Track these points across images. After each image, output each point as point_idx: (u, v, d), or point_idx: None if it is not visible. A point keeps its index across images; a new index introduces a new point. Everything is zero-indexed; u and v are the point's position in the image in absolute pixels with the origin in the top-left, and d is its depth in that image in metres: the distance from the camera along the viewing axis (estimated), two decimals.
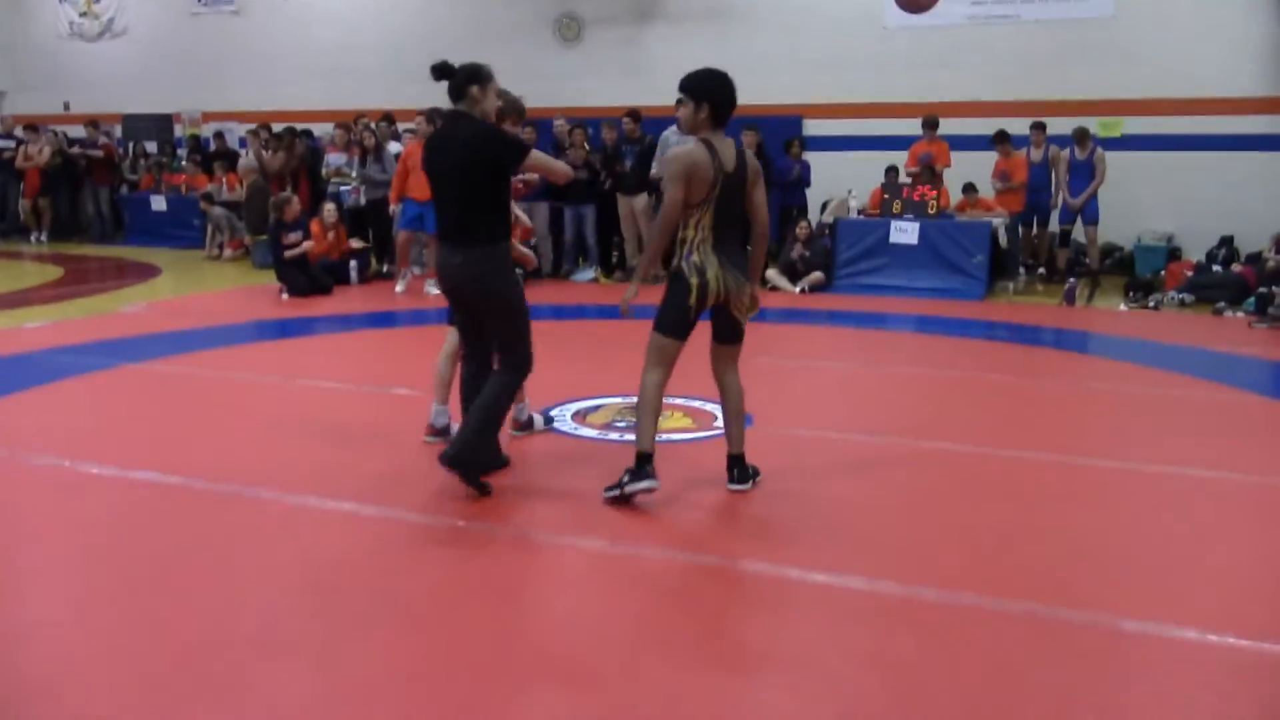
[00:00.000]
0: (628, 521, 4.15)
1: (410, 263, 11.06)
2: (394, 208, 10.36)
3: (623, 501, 4.30)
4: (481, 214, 4.36)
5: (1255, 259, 10.62)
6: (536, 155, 4.50)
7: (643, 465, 4.30)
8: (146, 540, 3.98)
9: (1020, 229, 11.62)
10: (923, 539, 4.03)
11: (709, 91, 4.17)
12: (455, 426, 5.18)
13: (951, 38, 12.85)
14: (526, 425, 5.35)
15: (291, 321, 8.90)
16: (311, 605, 3.39)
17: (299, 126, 13.92)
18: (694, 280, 4.21)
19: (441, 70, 4.46)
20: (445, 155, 4.40)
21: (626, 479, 4.29)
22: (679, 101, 4.27)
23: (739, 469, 4.51)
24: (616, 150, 11.33)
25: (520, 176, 4.73)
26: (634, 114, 11.45)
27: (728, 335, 4.42)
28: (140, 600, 3.43)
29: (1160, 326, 8.93)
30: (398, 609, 3.36)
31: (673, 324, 4.30)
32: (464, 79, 4.39)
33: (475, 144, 4.32)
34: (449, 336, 5.11)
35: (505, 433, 5.15)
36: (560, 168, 4.77)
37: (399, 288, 10.32)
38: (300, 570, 3.67)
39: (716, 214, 4.19)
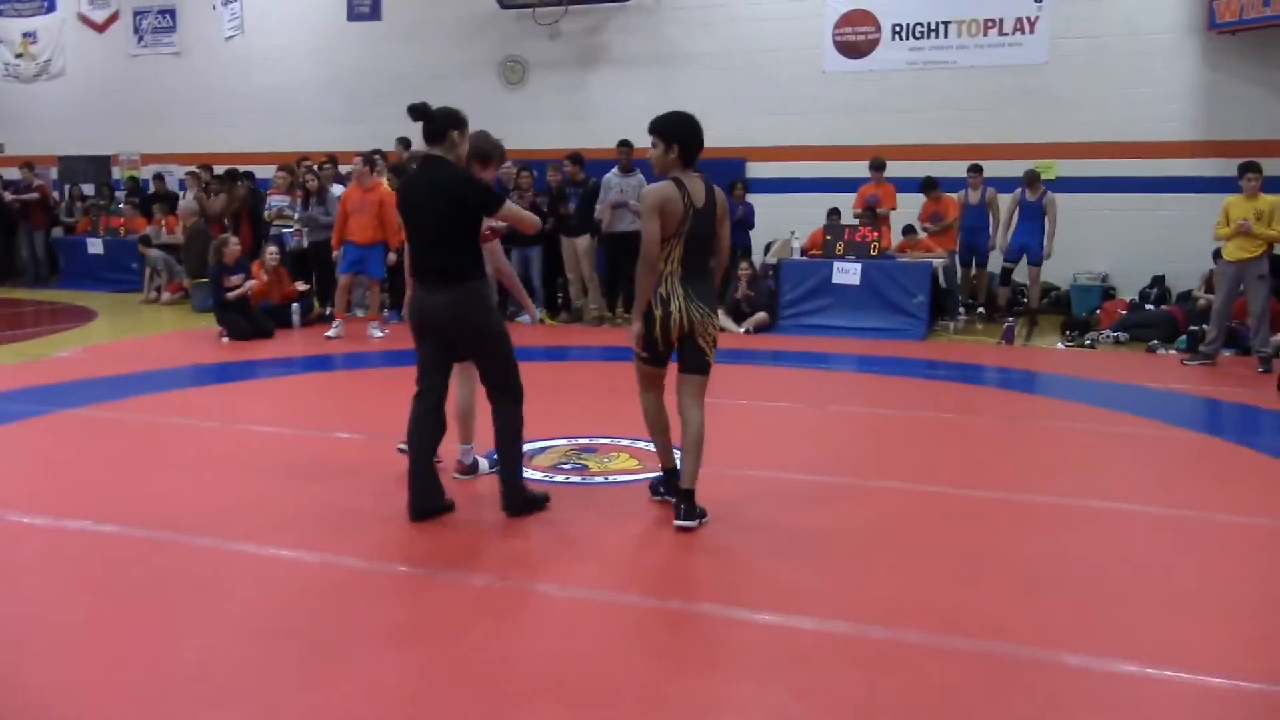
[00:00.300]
0: (576, 565, 4.11)
1: (353, 305, 10.98)
2: (336, 252, 10.29)
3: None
4: (461, 255, 4.48)
5: (1185, 298, 10.93)
6: (509, 205, 4.63)
7: (670, 478, 4.70)
8: (81, 590, 3.86)
9: (959, 269, 11.87)
10: (871, 577, 4.04)
11: (679, 133, 4.39)
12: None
13: (889, 82, 13.12)
14: (471, 469, 5.30)
15: (232, 365, 8.76)
16: (252, 653, 3.31)
17: (240, 168, 13.79)
18: (658, 312, 4.40)
19: (420, 112, 4.53)
20: (424, 199, 4.48)
21: (663, 490, 4.81)
22: (652, 143, 4.44)
23: (687, 505, 4.50)
24: (561, 192, 11.38)
25: (489, 224, 4.76)
26: (576, 157, 11.52)
27: (692, 365, 4.52)
28: (76, 651, 3.32)
29: (1097, 364, 9.11)
30: (339, 656, 3.29)
31: (644, 349, 4.54)
32: (444, 122, 4.51)
33: (455, 189, 4.44)
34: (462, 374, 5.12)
35: (448, 476, 5.11)
36: (530, 219, 4.84)
37: (331, 333, 10.09)
38: (240, 619, 3.58)
39: (686, 248, 4.39)
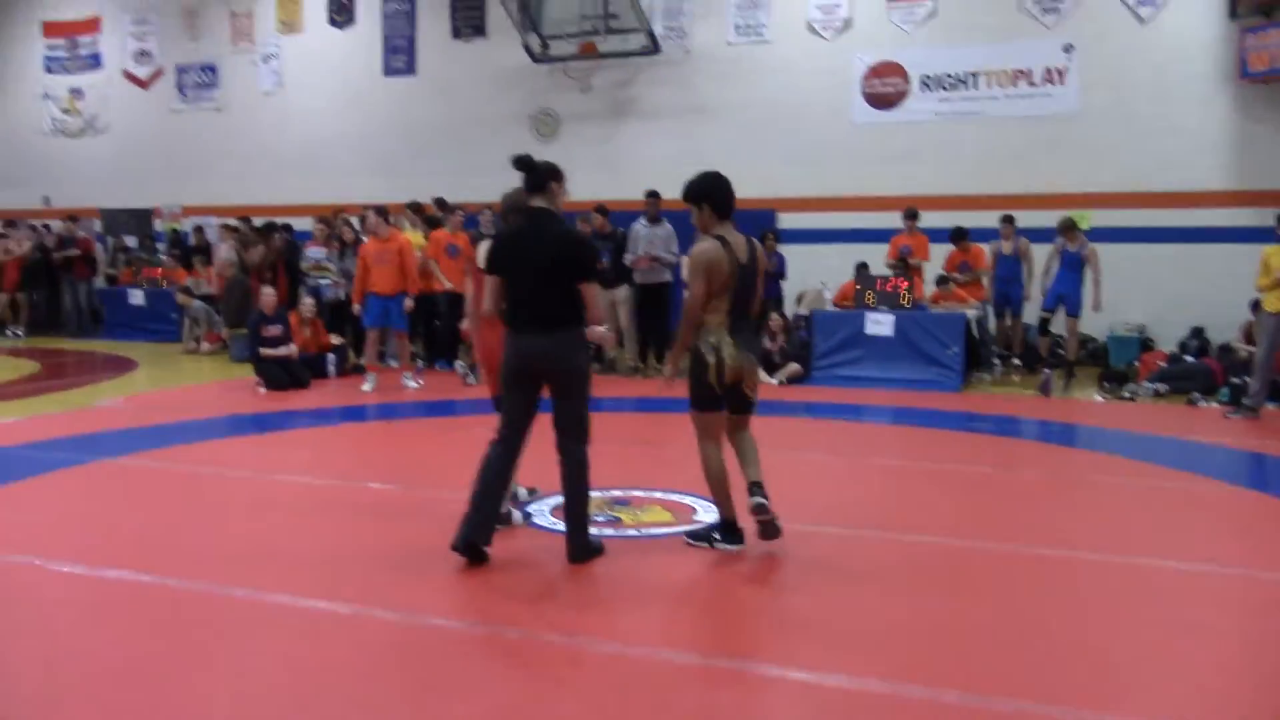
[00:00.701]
0: (608, 619, 4.09)
1: (386, 356, 11.07)
2: (356, 306, 10.32)
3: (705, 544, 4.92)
4: (564, 301, 4.62)
5: (1225, 350, 10.79)
6: (594, 286, 4.73)
7: (730, 528, 4.85)
8: (116, 640, 3.89)
9: (994, 320, 11.80)
10: (905, 635, 3.99)
11: (703, 193, 4.69)
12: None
13: (919, 133, 13.18)
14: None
15: (268, 416, 8.85)
16: (286, 709, 3.31)
17: (278, 220, 14.02)
18: (710, 359, 4.65)
19: (525, 163, 4.72)
20: (530, 249, 4.65)
21: (718, 536, 4.89)
22: (690, 209, 4.74)
23: (758, 496, 4.76)
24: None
25: None
26: (602, 209, 11.61)
27: (739, 407, 4.84)
28: (107, 701, 3.33)
29: (1136, 417, 9.00)
30: (376, 711, 3.28)
31: (702, 399, 4.77)
32: (546, 174, 4.73)
33: (560, 243, 4.64)
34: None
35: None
36: (599, 315, 4.83)
37: (367, 387, 10.04)
38: (274, 672, 3.59)
39: (733, 300, 4.65)
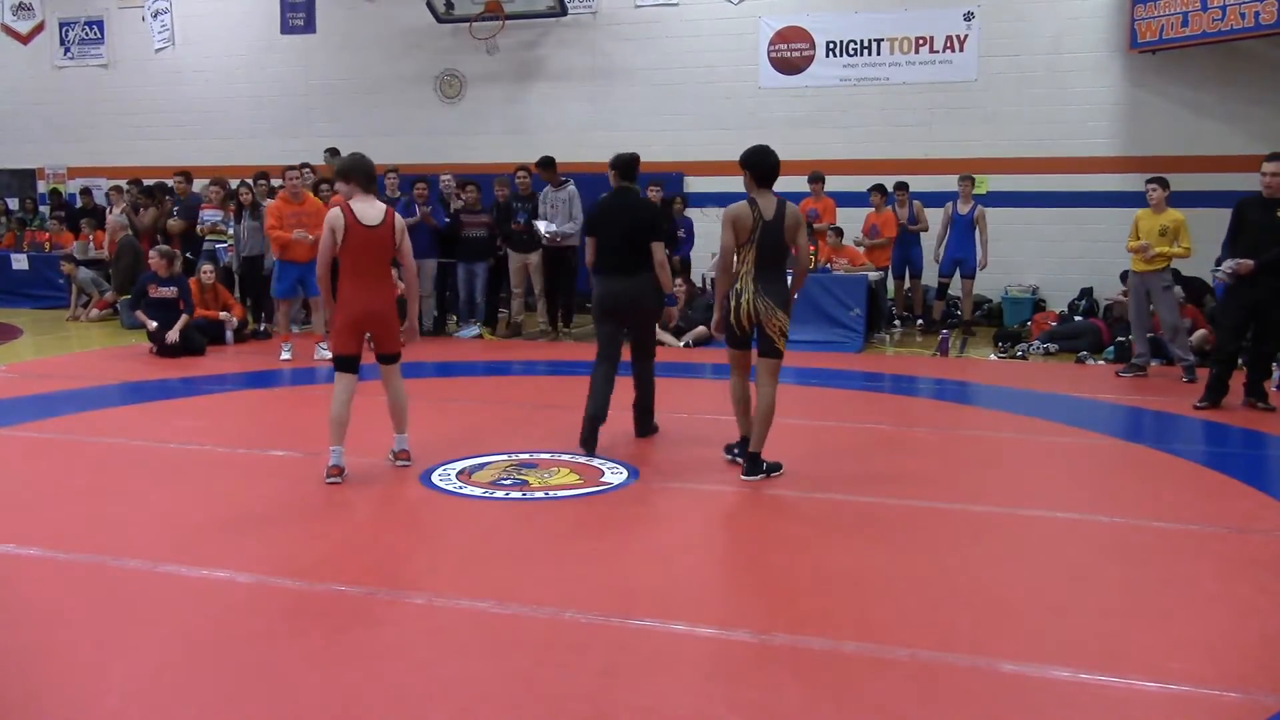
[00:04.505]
0: (512, 581, 4.09)
1: (291, 323, 10.79)
2: (272, 259, 10.00)
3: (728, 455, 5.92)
4: (640, 255, 6.16)
5: (1109, 309, 11.22)
6: (661, 247, 6.24)
7: (744, 444, 5.69)
8: (3, 616, 3.74)
9: (894, 282, 12.05)
10: (806, 588, 4.07)
11: (747, 162, 5.54)
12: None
13: (823, 98, 13.32)
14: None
15: (163, 383, 8.58)
16: (179, 678, 3.24)
17: (169, 182, 13.53)
18: (733, 302, 5.48)
19: (621, 162, 6.33)
20: (619, 216, 6.20)
21: (737, 451, 5.81)
22: None
23: (750, 464, 5.54)
24: (508, 207, 11.33)
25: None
26: (525, 169, 11.47)
27: (765, 350, 5.52)
28: None
29: (1028, 375, 9.30)
30: (272, 680, 3.23)
31: (729, 337, 5.64)
32: (635, 163, 6.37)
33: (638, 211, 6.24)
34: (344, 385, 5.48)
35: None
36: (667, 279, 6.38)
37: (285, 355, 9.62)
38: (169, 643, 3.50)
39: (758, 252, 5.41)
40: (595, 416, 6.05)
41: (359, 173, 5.48)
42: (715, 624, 3.66)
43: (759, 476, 5.49)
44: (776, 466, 5.60)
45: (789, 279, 5.58)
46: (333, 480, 5.37)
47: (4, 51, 17.09)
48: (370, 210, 5.44)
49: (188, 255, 11.34)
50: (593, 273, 6.29)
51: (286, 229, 9.70)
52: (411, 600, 3.89)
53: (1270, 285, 7.35)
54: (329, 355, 9.62)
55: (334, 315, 5.59)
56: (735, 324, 5.49)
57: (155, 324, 9.73)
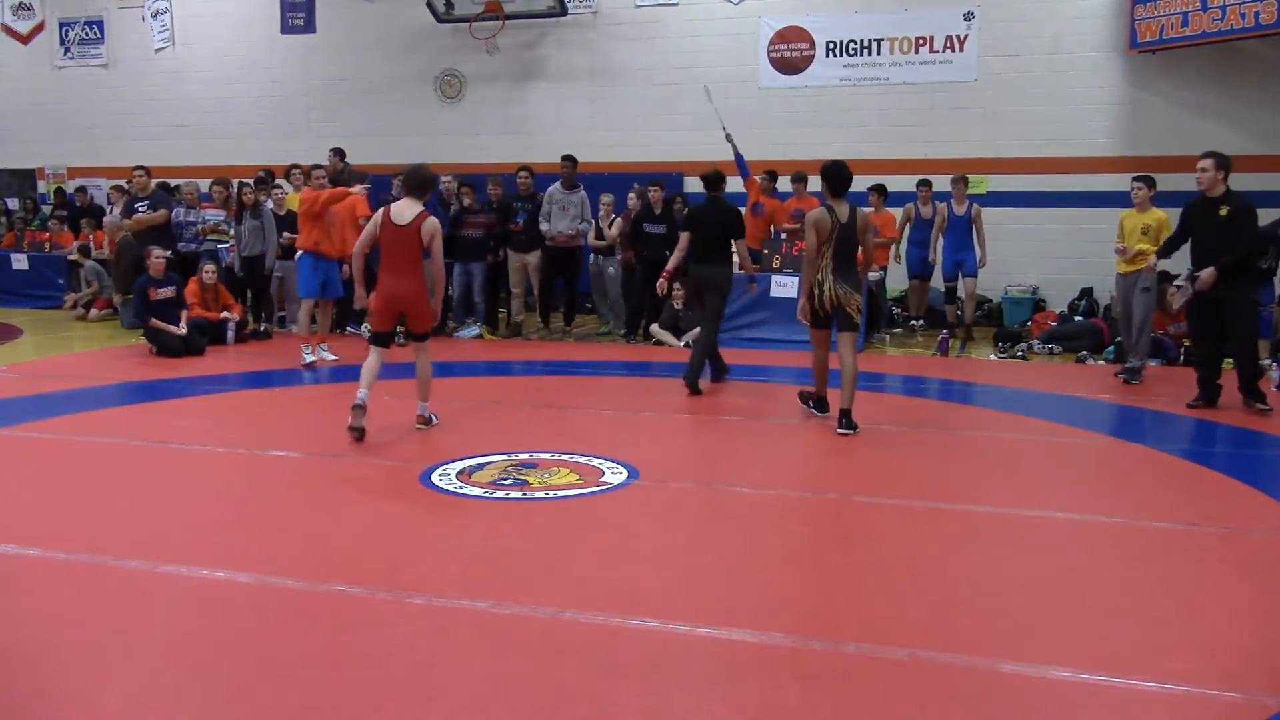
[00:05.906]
0: (512, 581, 4.09)
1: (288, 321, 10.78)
2: (298, 254, 9.57)
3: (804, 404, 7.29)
4: (725, 248, 8.15)
5: (1108, 310, 11.22)
6: (742, 242, 8.41)
7: (821, 402, 7.16)
8: (3, 616, 3.74)
9: (911, 282, 12.05)
10: (807, 589, 4.08)
11: (825, 176, 6.77)
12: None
13: (823, 98, 13.32)
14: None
15: (163, 383, 8.58)
16: (181, 679, 3.24)
17: (170, 182, 13.53)
18: (817, 290, 6.68)
19: (712, 179, 8.27)
20: (712, 219, 8.10)
21: (813, 405, 7.22)
22: None
23: (846, 420, 6.65)
24: (507, 207, 11.33)
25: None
26: (527, 169, 11.46)
27: (844, 325, 6.76)
28: None
29: (1029, 375, 9.30)
30: (273, 680, 3.23)
31: (814, 319, 6.87)
32: (717, 177, 8.28)
33: (725, 216, 8.13)
34: (375, 355, 6.48)
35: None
36: (744, 250, 8.53)
37: (308, 358, 9.28)
38: (169, 643, 3.50)
39: (835, 250, 6.64)
40: (698, 363, 8.02)
41: (408, 180, 6.57)
42: (715, 624, 3.66)
43: (853, 430, 6.56)
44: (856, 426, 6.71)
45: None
46: (356, 409, 6.16)
47: (4, 51, 17.09)
48: (406, 211, 6.42)
49: (170, 255, 11.22)
50: (689, 260, 8.14)
51: (316, 213, 9.35)
52: (411, 600, 3.90)
53: (1224, 289, 7.35)
54: (331, 359, 9.65)
55: (370, 299, 6.61)
56: (820, 308, 6.68)
57: (177, 329, 9.76)
